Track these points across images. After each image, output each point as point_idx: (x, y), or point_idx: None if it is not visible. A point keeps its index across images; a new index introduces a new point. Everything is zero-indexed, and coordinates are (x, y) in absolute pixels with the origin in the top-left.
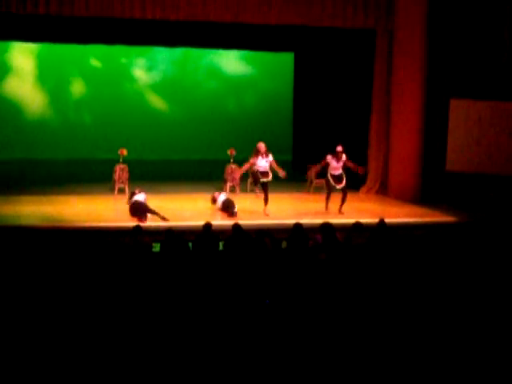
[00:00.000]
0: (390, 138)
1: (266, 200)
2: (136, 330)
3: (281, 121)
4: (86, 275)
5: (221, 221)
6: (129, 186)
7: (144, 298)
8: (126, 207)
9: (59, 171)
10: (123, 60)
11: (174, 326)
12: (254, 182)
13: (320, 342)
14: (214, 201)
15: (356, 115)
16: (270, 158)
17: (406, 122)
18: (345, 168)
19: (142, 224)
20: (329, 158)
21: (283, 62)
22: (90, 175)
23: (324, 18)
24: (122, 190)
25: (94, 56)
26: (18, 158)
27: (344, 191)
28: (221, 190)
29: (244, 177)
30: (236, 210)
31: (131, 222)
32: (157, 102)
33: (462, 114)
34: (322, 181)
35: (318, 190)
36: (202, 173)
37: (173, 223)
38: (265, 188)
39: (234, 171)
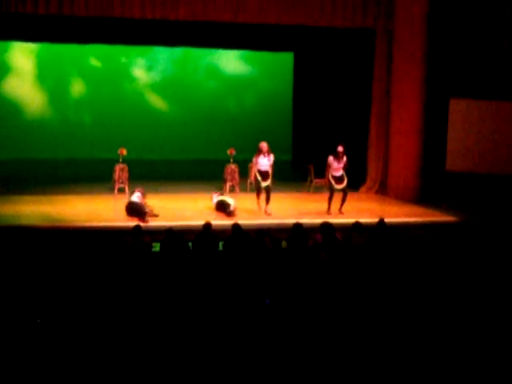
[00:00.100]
0: (390, 137)
1: (267, 199)
2: (136, 329)
3: (280, 121)
4: (86, 275)
5: (221, 221)
6: (129, 186)
7: (144, 297)
8: None
9: (59, 171)
10: (123, 60)
11: (174, 325)
12: (256, 189)
13: (320, 342)
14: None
15: (356, 115)
16: (272, 158)
17: (406, 121)
18: (345, 168)
19: (141, 224)
20: (330, 159)
21: (283, 61)
22: (90, 175)
23: (323, 18)
24: (121, 190)
25: (94, 56)
26: (18, 158)
27: (344, 191)
28: (221, 189)
29: (244, 177)
30: (232, 208)
31: (131, 222)
32: (157, 101)
33: (461, 114)
34: (322, 181)
35: (317, 189)
36: (202, 173)
37: (173, 223)
38: (266, 190)
39: (235, 171)
